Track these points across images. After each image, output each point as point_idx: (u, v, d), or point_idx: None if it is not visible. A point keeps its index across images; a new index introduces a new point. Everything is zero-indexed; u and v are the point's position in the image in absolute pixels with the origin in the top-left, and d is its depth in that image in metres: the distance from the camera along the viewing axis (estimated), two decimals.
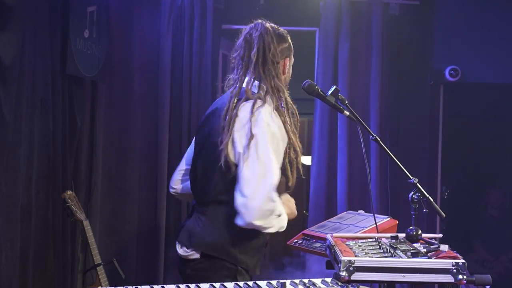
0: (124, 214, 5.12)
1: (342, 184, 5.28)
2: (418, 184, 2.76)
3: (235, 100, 2.71)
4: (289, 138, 2.72)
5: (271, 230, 2.64)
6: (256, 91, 2.71)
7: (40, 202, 4.14)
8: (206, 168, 2.75)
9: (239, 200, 2.56)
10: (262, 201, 2.55)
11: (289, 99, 2.79)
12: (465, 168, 6.45)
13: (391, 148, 3.02)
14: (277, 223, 2.65)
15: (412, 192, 2.77)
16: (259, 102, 2.66)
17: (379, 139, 2.87)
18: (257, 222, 2.56)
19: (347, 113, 2.86)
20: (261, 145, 2.58)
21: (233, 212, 2.60)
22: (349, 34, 5.34)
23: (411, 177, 2.78)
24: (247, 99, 2.68)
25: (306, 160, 7.02)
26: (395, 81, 5.44)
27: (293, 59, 2.90)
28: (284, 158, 2.72)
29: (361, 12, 5.38)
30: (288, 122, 2.73)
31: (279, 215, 2.64)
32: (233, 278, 2.64)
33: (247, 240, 2.71)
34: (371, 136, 2.87)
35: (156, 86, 5.20)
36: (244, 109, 2.67)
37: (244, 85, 2.73)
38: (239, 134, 2.63)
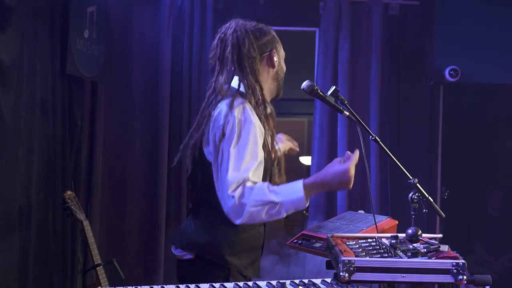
0: (124, 214, 5.12)
1: None
2: (418, 184, 2.76)
3: (210, 100, 2.72)
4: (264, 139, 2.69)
5: (274, 218, 2.56)
6: (236, 88, 2.69)
7: (40, 202, 4.14)
8: (194, 170, 2.76)
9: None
10: (224, 202, 2.54)
11: (267, 97, 2.75)
12: (465, 168, 6.45)
13: (391, 148, 3.01)
14: (277, 211, 2.54)
15: (412, 192, 2.77)
16: (231, 100, 2.64)
17: (379, 139, 2.87)
18: (238, 221, 2.54)
19: (347, 113, 2.86)
20: (227, 145, 2.57)
21: (222, 214, 2.60)
22: (349, 34, 5.34)
23: (411, 177, 2.78)
24: (221, 98, 2.68)
25: (306, 160, 7.02)
26: (395, 81, 5.44)
27: (282, 52, 2.85)
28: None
29: (361, 12, 5.38)
30: (264, 120, 2.69)
31: (268, 203, 2.52)
32: (226, 280, 2.62)
33: (237, 242, 2.69)
34: (371, 136, 2.87)
35: (156, 86, 5.20)
36: (216, 108, 2.66)
37: (219, 84, 2.72)
38: (212, 133, 2.63)
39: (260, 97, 2.71)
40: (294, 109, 7.53)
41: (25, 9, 3.93)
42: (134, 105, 5.16)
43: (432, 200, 2.79)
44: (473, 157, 6.52)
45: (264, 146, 2.67)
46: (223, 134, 2.58)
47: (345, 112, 2.86)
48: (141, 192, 5.15)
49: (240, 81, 2.71)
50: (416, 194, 2.76)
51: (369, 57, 5.37)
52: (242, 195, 2.51)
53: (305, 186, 2.58)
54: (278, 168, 2.84)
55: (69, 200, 4.00)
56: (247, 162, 2.56)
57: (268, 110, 2.76)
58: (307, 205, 2.60)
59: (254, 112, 2.67)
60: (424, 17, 5.48)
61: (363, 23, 5.38)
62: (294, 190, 2.57)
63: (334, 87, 2.87)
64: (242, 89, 2.71)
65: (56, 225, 4.30)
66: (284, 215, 2.58)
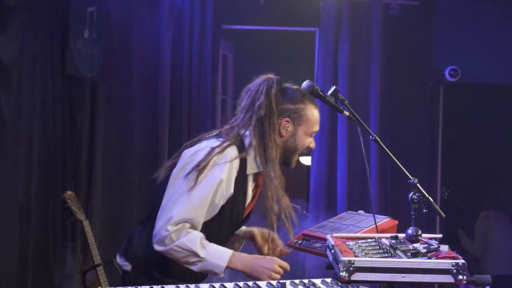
0: (124, 214, 5.12)
1: (342, 184, 5.28)
2: (418, 184, 2.76)
3: (209, 135, 2.73)
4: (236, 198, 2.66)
5: (188, 265, 2.59)
6: (247, 141, 2.66)
7: (40, 202, 4.14)
8: (158, 185, 2.77)
9: None
10: (160, 224, 2.57)
11: (277, 171, 2.66)
12: (465, 168, 6.46)
13: (391, 148, 3.01)
14: (196, 262, 2.57)
15: (412, 192, 2.77)
16: (224, 146, 2.61)
17: (379, 139, 2.87)
18: (156, 246, 2.58)
19: (347, 113, 2.86)
20: (188, 183, 2.56)
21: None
22: (349, 34, 5.34)
23: (411, 177, 2.78)
24: (223, 139, 2.65)
25: (306, 160, 7.02)
26: (395, 81, 5.45)
27: (308, 128, 2.75)
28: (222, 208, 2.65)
29: (361, 12, 5.38)
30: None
31: (194, 253, 2.55)
32: None
33: (168, 264, 2.68)
34: (371, 136, 2.87)
35: (156, 86, 5.20)
36: (209, 140, 2.66)
37: (232, 125, 2.71)
38: (183, 162, 2.63)
39: (272, 159, 2.65)
40: None
41: (25, 9, 3.93)
42: (134, 105, 5.16)
43: (432, 200, 2.79)
44: (473, 157, 6.53)
45: (225, 198, 2.63)
46: (192, 172, 2.57)
47: (345, 112, 2.86)
48: (141, 192, 5.15)
49: (247, 135, 2.68)
50: (416, 194, 2.76)
51: (369, 57, 5.37)
52: (176, 235, 2.54)
53: (233, 257, 2.60)
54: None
55: (69, 200, 4.00)
56: (197, 210, 2.57)
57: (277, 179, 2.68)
58: (221, 275, 2.61)
59: (234, 172, 2.62)
60: (424, 17, 5.48)
61: (363, 23, 5.38)
62: (220, 256, 2.59)
63: (334, 87, 2.87)
64: (246, 141, 2.68)
65: (56, 225, 4.30)
66: (196, 270, 2.60)
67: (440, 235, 2.43)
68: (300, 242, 2.97)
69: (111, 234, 5.04)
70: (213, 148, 2.60)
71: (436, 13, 5.50)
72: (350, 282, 2.03)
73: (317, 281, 2.41)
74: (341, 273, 2.02)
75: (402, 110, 5.45)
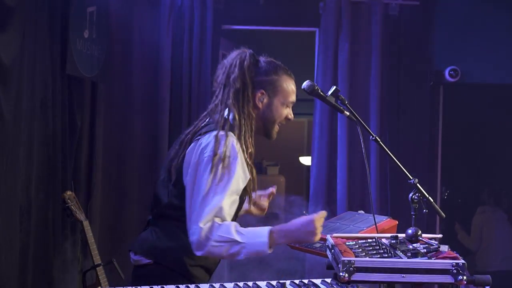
0: (124, 214, 5.12)
1: (342, 184, 5.28)
2: (418, 185, 2.76)
3: (201, 123, 2.77)
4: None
5: (234, 258, 2.58)
6: (229, 117, 2.72)
7: (40, 202, 4.14)
8: (163, 184, 2.78)
9: None
10: (192, 231, 2.57)
11: (249, 143, 2.74)
12: (465, 168, 6.46)
13: (391, 148, 3.01)
14: (239, 250, 2.56)
15: (412, 192, 2.77)
16: (222, 131, 2.66)
17: (379, 139, 2.87)
18: (198, 252, 2.58)
19: (347, 113, 2.86)
20: (209, 178, 2.59)
21: (184, 226, 2.63)
22: (349, 34, 5.34)
23: (411, 177, 2.78)
24: (211, 126, 2.70)
25: (306, 160, 7.02)
26: (395, 81, 5.44)
27: (284, 99, 2.81)
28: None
29: (361, 12, 5.38)
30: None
31: (233, 242, 2.55)
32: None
33: (195, 255, 2.69)
34: (371, 136, 2.87)
35: (156, 86, 5.20)
36: (205, 136, 2.68)
37: (212, 109, 2.77)
38: (195, 161, 2.65)
39: (246, 130, 2.72)
40: (294, 109, 7.52)
41: (25, 9, 3.93)
42: (134, 105, 5.16)
43: (432, 200, 2.79)
44: (473, 157, 6.53)
45: (245, 181, 2.69)
46: (209, 167, 2.60)
47: (345, 112, 2.86)
48: (141, 192, 5.15)
49: (231, 112, 2.73)
50: (416, 194, 2.76)
51: (369, 58, 5.36)
52: (210, 230, 2.54)
53: (271, 233, 2.58)
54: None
55: (69, 200, 4.00)
56: (224, 199, 2.58)
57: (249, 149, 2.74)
58: (269, 252, 2.59)
59: (239, 146, 2.67)
60: (424, 17, 5.48)
61: (363, 23, 5.38)
62: (259, 234, 2.57)
63: (334, 87, 2.87)
64: (231, 117, 2.72)
65: (56, 225, 4.30)
66: (243, 257, 2.58)
67: (440, 235, 2.43)
68: None
69: (111, 234, 5.04)
70: (217, 142, 2.62)
71: (436, 13, 5.50)
72: (350, 282, 2.03)
73: (317, 281, 2.41)
74: (341, 273, 2.02)
75: (402, 110, 5.45)
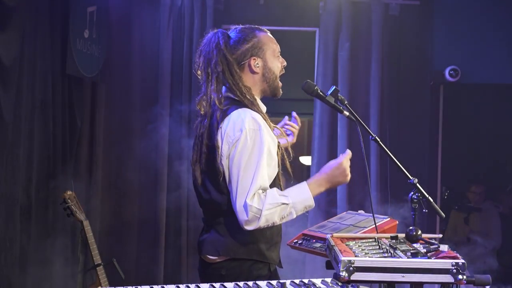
0: (124, 214, 5.12)
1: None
2: (418, 185, 2.76)
3: (209, 113, 2.76)
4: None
5: (286, 219, 2.68)
6: (230, 97, 2.74)
7: (40, 202, 4.14)
8: (206, 182, 2.79)
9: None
10: (240, 212, 2.61)
11: (258, 98, 2.81)
12: (465, 168, 6.46)
13: (391, 148, 3.01)
14: (288, 212, 2.66)
15: (412, 192, 2.77)
16: (236, 111, 2.69)
17: (379, 139, 2.87)
18: (250, 227, 2.62)
19: (347, 113, 2.86)
20: (244, 157, 2.64)
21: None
22: (349, 34, 5.34)
23: (411, 177, 2.77)
24: (222, 109, 2.71)
25: (306, 160, 7.02)
26: (395, 81, 5.45)
27: (273, 50, 2.86)
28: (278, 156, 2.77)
29: (361, 12, 5.38)
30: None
31: (281, 204, 2.64)
32: (267, 277, 2.69)
33: (269, 236, 2.77)
34: (370, 136, 2.87)
35: (156, 86, 5.20)
36: (224, 121, 2.70)
37: (214, 99, 2.76)
38: (225, 147, 2.68)
39: (252, 101, 2.76)
40: (294, 109, 7.52)
41: (25, 9, 3.93)
42: (134, 105, 5.16)
43: (432, 200, 2.79)
44: (473, 157, 6.53)
45: (277, 148, 2.77)
46: (239, 146, 2.64)
47: (345, 112, 2.86)
48: (141, 192, 5.15)
49: (232, 91, 2.76)
50: (416, 194, 2.75)
51: (369, 57, 5.37)
52: (258, 203, 2.61)
53: (310, 185, 2.73)
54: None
55: (69, 200, 4.00)
56: (263, 170, 2.65)
57: (263, 109, 2.81)
58: (314, 205, 2.73)
59: (257, 114, 2.71)
60: (424, 17, 5.48)
61: (363, 23, 5.38)
62: (301, 190, 2.71)
63: (334, 87, 2.87)
64: (233, 97, 2.75)
65: (56, 225, 4.30)
66: (295, 216, 2.69)
67: (440, 235, 2.43)
68: (300, 242, 2.97)
69: (111, 234, 5.04)
70: (239, 120, 2.66)
71: (436, 13, 5.50)
72: (350, 282, 2.03)
73: (317, 281, 2.41)
74: (341, 273, 2.02)
75: (402, 110, 5.45)
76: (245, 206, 2.60)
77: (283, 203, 2.63)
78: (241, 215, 2.61)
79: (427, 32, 5.50)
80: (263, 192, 2.63)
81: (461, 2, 5.52)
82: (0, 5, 3.69)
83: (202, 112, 2.80)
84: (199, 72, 2.83)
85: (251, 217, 2.59)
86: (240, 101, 2.73)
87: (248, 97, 2.75)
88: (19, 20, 3.88)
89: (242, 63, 2.79)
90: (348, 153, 2.84)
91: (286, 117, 3.25)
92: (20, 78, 3.90)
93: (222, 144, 2.68)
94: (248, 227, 2.62)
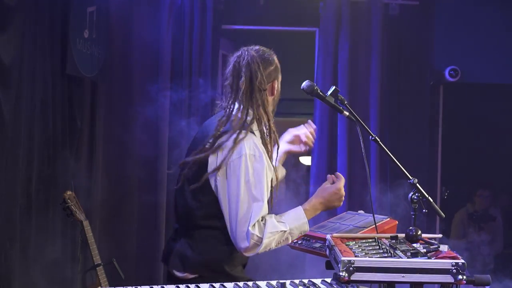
0: (124, 214, 5.12)
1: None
2: (417, 185, 2.76)
3: (220, 129, 2.77)
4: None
5: (284, 244, 2.76)
6: (246, 118, 2.77)
7: (40, 202, 4.14)
8: (186, 192, 2.80)
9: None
10: (240, 239, 2.66)
11: (273, 127, 2.84)
12: (465, 168, 6.46)
13: (391, 148, 3.01)
14: (285, 238, 2.74)
15: (412, 192, 2.77)
16: (242, 133, 2.71)
17: (378, 139, 2.87)
18: (249, 253, 2.70)
19: (347, 113, 2.86)
20: (243, 182, 2.66)
21: (219, 234, 2.72)
22: (349, 34, 5.34)
23: (411, 178, 2.78)
24: (232, 130, 2.73)
25: (306, 160, 7.02)
26: (395, 81, 5.44)
27: (280, 77, 2.92)
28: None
29: (361, 12, 5.38)
30: (270, 150, 2.81)
31: (279, 232, 2.70)
32: None
33: (235, 259, 2.80)
34: (370, 136, 2.87)
35: (156, 86, 5.20)
36: (228, 140, 2.72)
37: (233, 113, 2.79)
38: (224, 166, 2.69)
39: (268, 128, 2.81)
40: (294, 109, 7.54)
41: (25, 9, 3.93)
42: (134, 105, 5.16)
43: (432, 200, 2.79)
44: (473, 157, 6.53)
45: (271, 173, 2.80)
46: (238, 171, 2.66)
47: (344, 112, 2.86)
48: (141, 192, 5.15)
49: (250, 111, 2.78)
50: (416, 194, 2.76)
51: (369, 57, 5.36)
52: (260, 231, 2.66)
53: (306, 211, 2.80)
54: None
55: (69, 200, 4.00)
56: (263, 198, 2.69)
57: (274, 140, 2.84)
58: (308, 229, 2.81)
59: (260, 142, 2.75)
60: (424, 17, 5.48)
61: (363, 23, 5.38)
62: (298, 216, 2.78)
63: (334, 87, 2.87)
64: (249, 118, 2.77)
65: (56, 225, 4.30)
66: (290, 241, 2.78)
67: (440, 235, 2.44)
68: (300, 242, 2.98)
69: (111, 234, 5.04)
70: (240, 145, 2.68)
71: (436, 13, 5.50)
72: (350, 282, 2.03)
73: (317, 281, 2.42)
74: (341, 273, 2.02)
75: (402, 110, 5.45)
76: (248, 234, 2.64)
77: (282, 231, 2.70)
78: (242, 243, 2.66)
79: (427, 32, 5.49)
80: (262, 220, 2.67)
81: (461, 2, 5.52)
82: (0, 5, 3.69)
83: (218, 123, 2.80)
84: (226, 83, 2.84)
85: (252, 245, 2.65)
86: (253, 123, 2.77)
87: (264, 116, 2.79)
88: (19, 20, 3.87)
89: (267, 86, 2.82)
90: (342, 178, 2.88)
91: (304, 126, 3.21)
92: (20, 78, 3.90)
93: (218, 161, 2.70)
94: (248, 254, 2.69)
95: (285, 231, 2.70)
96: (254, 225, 2.64)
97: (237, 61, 2.83)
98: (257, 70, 2.78)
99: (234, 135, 2.71)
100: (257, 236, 2.63)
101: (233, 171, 2.67)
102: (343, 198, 2.88)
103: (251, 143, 2.70)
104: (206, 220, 2.75)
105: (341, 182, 2.86)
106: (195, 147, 2.86)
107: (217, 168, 2.69)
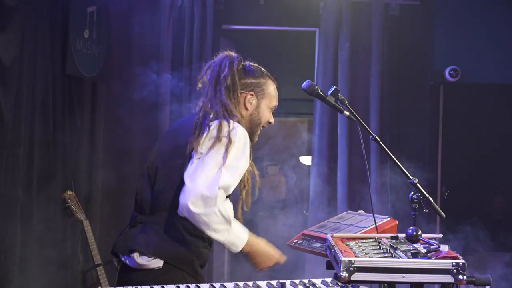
0: (124, 215, 5.11)
1: (342, 184, 5.28)
2: (418, 184, 2.76)
3: (201, 118, 2.72)
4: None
5: (215, 234, 2.59)
6: (215, 110, 2.73)
7: (40, 202, 4.14)
8: (166, 175, 2.73)
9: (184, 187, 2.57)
10: (201, 186, 2.52)
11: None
12: (465, 168, 6.45)
13: (391, 148, 3.01)
14: (224, 230, 2.59)
15: (412, 192, 2.77)
16: (224, 120, 2.67)
17: (379, 139, 2.87)
18: (192, 207, 2.51)
19: (347, 113, 2.86)
20: (221, 149, 2.59)
21: (189, 223, 2.60)
22: (349, 34, 5.34)
23: (411, 177, 2.78)
24: (214, 118, 2.69)
25: (306, 160, 7.02)
26: (395, 81, 5.45)
27: (269, 102, 2.86)
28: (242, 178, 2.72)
29: (361, 12, 5.38)
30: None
31: (227, 221, 2.58)
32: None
33: (202, 255, 2.73)
34: (371, 136, 2.87)
35: (156, 85, 5.20)
36: (214, 122, 2.67)
37: (207, 106, 2.76)
38: (209, 138, 2.64)
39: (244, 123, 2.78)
40: (294, 109, 7.54)
41: (25, 9, 3.93)
42: (134, 105, 5.16)
43: (432, 200, 2.79)
44: (473, 157, 6.52)
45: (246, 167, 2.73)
46: (224, 146, 2.59)
47: (345, 112, 2.86)
48: None
49: (217, 103, 2.75)
50: (416, 194, 2.76)
51: (369, 57, 5.37)
52: (221, 198, 2.55)
53: (249, 235, 2.73)
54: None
55: (69, 200, 4.01)
56: (235, 178, 2.61)
57: None
58: (237, 251, 2.69)
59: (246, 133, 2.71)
60: (425, 17, 5.48)
61: (363, 23, 5.39)
62: (242, 232, 2.70)
63: (334, 87, 2.87)
64: (218, 107, 2.74)
65: (56, 225, 4.30)
66: (220, 239, 2.61)
67: (440, 235, 2.43)
68: (300, 242, 2.98)
69: (111, 234, 5.03)
70: (228, 126, 2.64)
71: (436, 13, 5.50)
72: (350, 282, 2.03)
73: (317, 281, 2.42)
74: (341, 273, 2.02)
75: (402, 110, 5.46)
76: (214, 189, 2.50)
77: (229, 221, 2.58)
78: (199, 194, 2.50)
79: (427, 32, 5.50)
80: (226, 197, 2.58)
81: (461, 2, 5.52)
82: (0, 5, 3.69)
83: (198, 111, 2.76)
84: (200, 81, 2.82)
85: (208, 200, 2.51)
86: (234, 117, 2.71)
87: (240, 120, 2.74)
88: (19, 20, 3.88)
89: (242, 92, 2.79)
90: (282, 261, 2.81)
91: None
92: (20, 78, 3.91)
93: (202, 141, 2.62)
94: (191, 207, 2.51)
95: (229, 224, 2.58)
96: (220, 190, 2.53)
97: (214, 60, 2.84)
98: (227, 67, 2.76)
99: (217, 121, 2.66)
100: (215, 200, 2.49)
101: (219, 145, 2.59)
102: (266, 267, 2.78)
103: (240, 129, 2.66)
104: (170, 201, 2.65)
105: (281, 258, 2.79)
106: (172, 140, 2.78)
107: (202, 145, 2.61)
